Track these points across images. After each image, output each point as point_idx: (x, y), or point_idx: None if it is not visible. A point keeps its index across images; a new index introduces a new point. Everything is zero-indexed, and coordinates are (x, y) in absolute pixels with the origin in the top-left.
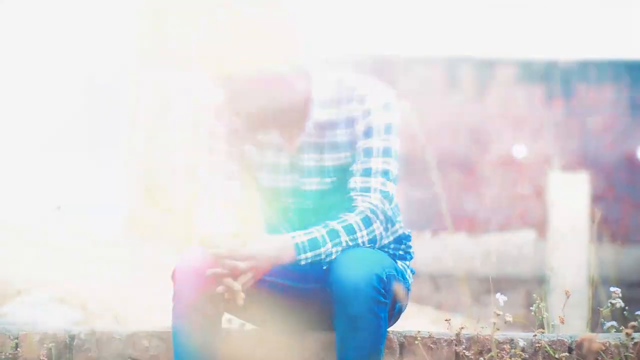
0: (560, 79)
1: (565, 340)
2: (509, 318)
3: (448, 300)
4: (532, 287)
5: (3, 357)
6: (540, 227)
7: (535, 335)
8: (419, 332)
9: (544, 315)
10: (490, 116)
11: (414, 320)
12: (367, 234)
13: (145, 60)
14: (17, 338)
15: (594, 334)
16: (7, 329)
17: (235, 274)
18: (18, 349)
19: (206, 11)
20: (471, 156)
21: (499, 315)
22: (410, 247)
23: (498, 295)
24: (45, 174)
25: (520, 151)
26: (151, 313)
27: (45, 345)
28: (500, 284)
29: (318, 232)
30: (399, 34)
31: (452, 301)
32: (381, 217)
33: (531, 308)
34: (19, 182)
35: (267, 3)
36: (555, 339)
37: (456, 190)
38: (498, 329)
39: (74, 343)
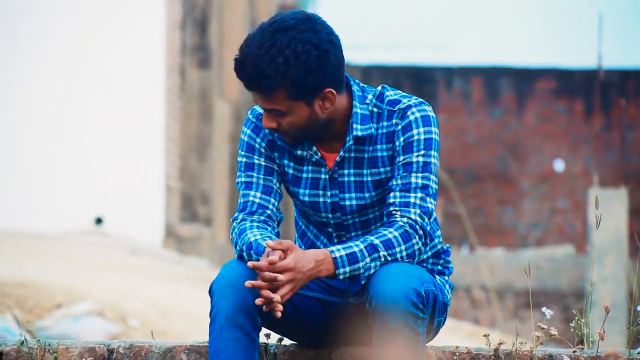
0: (600, 92)
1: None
2: (554, 332)
3: (485, 315)
4: (570, 302)
5: None
6: (579, 241)
7: (574, 352)
8: (457, 347)
9: (584, 332)
10: (530, 130)
11: (451, 335)
12: (406, 249)
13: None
14: (56, 352)
15: (618, 349)
16: (47, 343)
17: (274, 287)
18: None
19: (247, 23)
20: (510, 170)
21: (543, 329)
22: (449, 262)
23: (544, 309)
24: (84, 186)
25: (559, 165)
26: (189, 327)
27: (84, 358)
28: (538, 298)
29: (357, 246)
30: (438, 44)
31: (489, 316)
32: (420, 232)
33: (571, 324)
34: (58, 194)
35: (307, 17)
36: (594, 354)
37: (495, 204)
38: (541, 343)
39: (113, 357)
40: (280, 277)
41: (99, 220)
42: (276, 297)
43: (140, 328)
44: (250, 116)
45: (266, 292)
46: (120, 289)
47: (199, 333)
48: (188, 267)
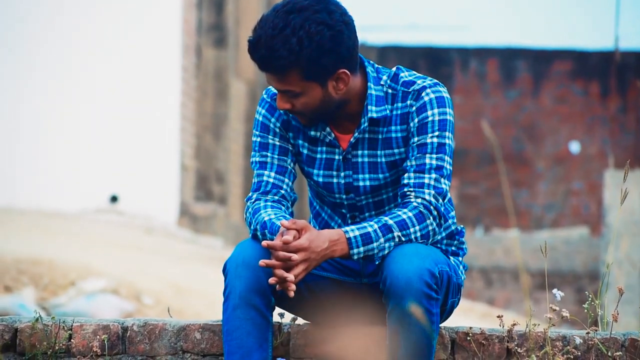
0: (617, 73)
1: (619, 338)
2: (566, 313)
3: (499, 296)
4: (584, 284)
5: (57, 347)
6: (594, 223)
7: (588, 333)
8: (470, 328)
9: (599, 313)
10: (545, 111)
11: (465, 316)
12: (420, 230)
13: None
14: (71, 329)
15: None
16: (62, 320)
17: (287, 266)
18: (72, 339)
19: (263, 2)
20: (525, 152)
21: (555, 310)
22: (463, 242)
23: (555, 290)
24: (100, 164)
25: (574, 147)
26: (203, 305)
27: (98, 336)
28: (552, 280)
29: (371, 227)
30: (454, 25)
31: (504, 297)
32: (434, 213)
33: (584, 305)
34: (74, 172)
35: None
36: (608, 336)
37: (510, 186)
38: (553, 325)
39: (127, 334)
40: (294, 256)
41: (114, 198)
42: (290, 276)
43: (154, 306)
44: (265, 96)
45: (280, 272)
46: (134, 267)
47: (212, 312)
48: (202, 246)
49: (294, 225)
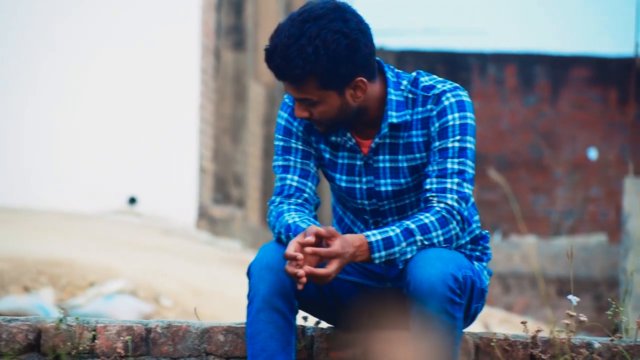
0: (636, 80)
1: None
2: (584, 318)
3: (517, 302)
4: (602, 290)
5: (81, 348)
6: (612, 230)
7: (612, 340)
8: (494, 334)
9: (622, 320)
10: (564, 117)
11: (484, 322)
12: (443, 234)
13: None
14: (94, 330)
15: None
16: (86, 321)
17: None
18: (95, 340)
19: (282, 5)
20: (544, 158)
21: (572, 316)
22: (487, 247)
23: (570, 296)
24: (119, 166)
25: (593, 154)
26: (221, 308)
27: (122, 337)
28: (569, 286)
29: (392, 231)
30: (472, 29)
31: (522, 303)
32: (458, 217)
33: (607, 312)
34: (93, 173)
35: (336, 7)
36: (632, 344)
37: (527, 192)
38: (572, 331)
39: (150, 336)
40: (323, 251)
41: (132, 200)
42: (321, 271)
43: (172, 308)
44: (287, 100)
45: (308, 268)
46: (153, 268)
47: (231, 314)
48: (220, 248)
49: (326, 232)
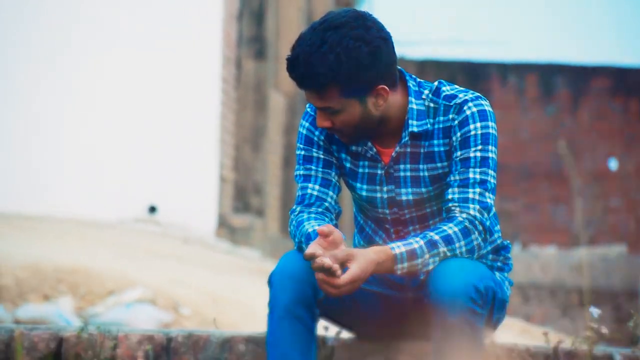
0: None
1: None
2: (605, 331)
3: (536, 313)
4: (622, 301)
5: (102, 357)
6: (632, 241)
7: (633, 351)
8: (516, 344)
9: None
10: (584, 128)
11: (502, 332)
12: (466, 245)
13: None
14: (116, 338)
15: None
16: (107, 329)
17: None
18: (117, 349)
19: (303, 15)
20: (564, 168)
21: (593, 328)
22: (509, 258)
23: (592, 308)
24: (139, 174)
25: (613, 164)
26: (240, 317)
27: (143, 346)
28: (589, 297)
29: (417, 243)
30: (493, 40)
31: (541, 313)
32: (480, 227)
33: (629, 323)
34: (113, 181)
35: (358, 15)
36: None
37: (548, 202)
38: (594, 343)
39: (171, 345)
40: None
41: (152, 209)
42: (336, 266)
43: (191, 317)
44: (308, 109)
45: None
46: (172, 277)
47: (250, 323)
48: (240, 257)
49: (326, 231)
